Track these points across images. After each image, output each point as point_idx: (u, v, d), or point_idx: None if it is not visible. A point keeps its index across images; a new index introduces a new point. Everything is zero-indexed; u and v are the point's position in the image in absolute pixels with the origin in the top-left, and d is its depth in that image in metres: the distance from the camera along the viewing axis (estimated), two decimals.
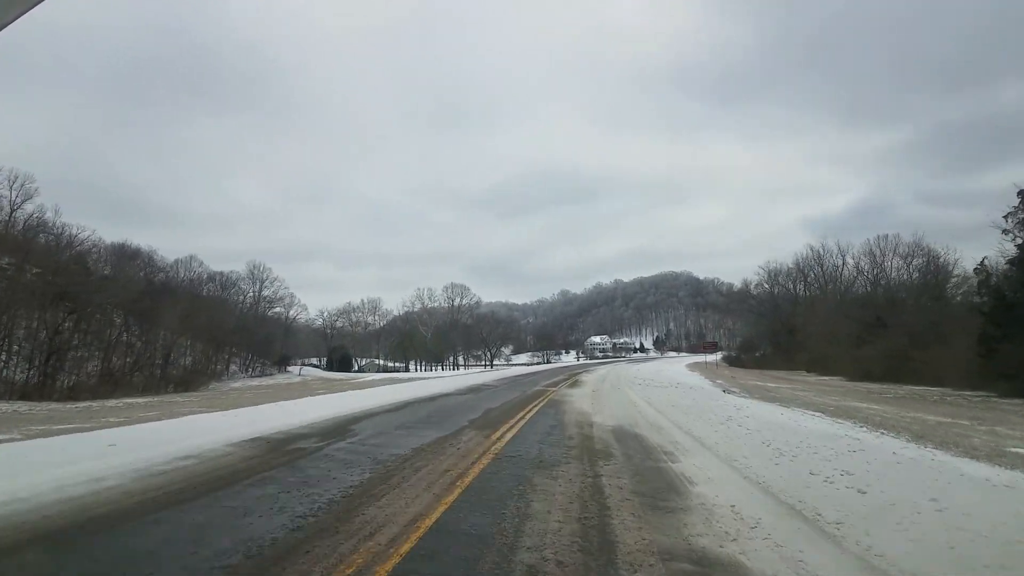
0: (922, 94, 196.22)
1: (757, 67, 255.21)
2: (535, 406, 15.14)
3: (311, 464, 7.01)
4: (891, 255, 45.62)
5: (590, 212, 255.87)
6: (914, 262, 43.81)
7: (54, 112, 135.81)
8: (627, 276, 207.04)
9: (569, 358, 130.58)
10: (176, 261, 66.60)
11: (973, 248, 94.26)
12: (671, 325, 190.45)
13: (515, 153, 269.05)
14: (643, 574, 3.60)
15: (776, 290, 62.59)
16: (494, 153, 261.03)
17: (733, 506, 5.18)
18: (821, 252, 57.49)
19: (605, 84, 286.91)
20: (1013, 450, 9.00)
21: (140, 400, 33.59)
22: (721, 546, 4.14)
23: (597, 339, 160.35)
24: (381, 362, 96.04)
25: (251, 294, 73.22)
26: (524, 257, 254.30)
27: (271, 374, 64.55)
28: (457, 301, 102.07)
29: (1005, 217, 24.43)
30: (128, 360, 48.52)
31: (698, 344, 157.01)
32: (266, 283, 73.66)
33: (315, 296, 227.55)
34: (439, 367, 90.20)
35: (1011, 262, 23.35)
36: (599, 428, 10.91)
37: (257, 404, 18.30)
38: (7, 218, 47.10)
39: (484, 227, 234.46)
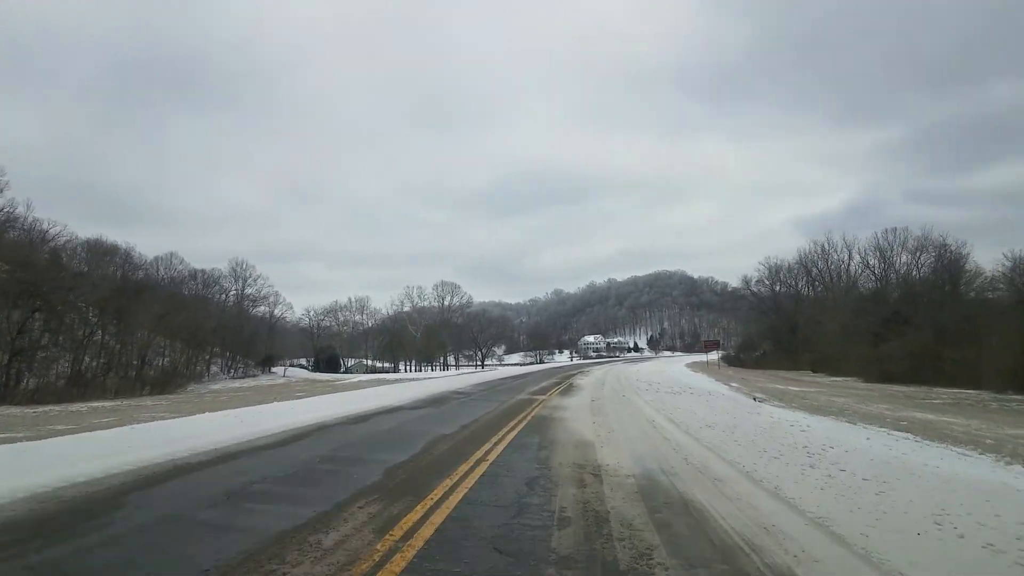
0: (913, 93, 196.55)
1: (750, 66, 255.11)
2: (511, 430, 10.44)
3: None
4: (899, 249, 43.93)
5: (583, 211, 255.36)
6: (922, 257, 42.22)
7: (39, 110, 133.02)
8: (621, 275, 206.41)
9: (562, 358, 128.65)
10: (156, 258, 64.20)
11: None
12: (665, 324, 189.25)
13: (508, 152, 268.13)
14: None
15: (778, 287, 60.67)
16: (487, 152, 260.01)
17: None
18: (826, 247, 55.25)
19: (598, 83, 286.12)
20: None
21: (107, 404, 31.29)
22: None
23: (591, 339, 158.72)
24: (370, 363, 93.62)
25: (233, 292, 70.71)
26: (517, 257, 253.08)
27: (255, 375, 62.04)
28: (448, 300, 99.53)
29: None
30: (101, 361, 46.22)
31: (693, 343, 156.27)
32: (249, 281, 71.15)
33: (307, 297, 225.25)
34: (429, 367, 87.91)
35: None
36: (613, 481, 6.42)
37: (212, 410, 16.03)
38: None
39: (477, 227, 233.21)
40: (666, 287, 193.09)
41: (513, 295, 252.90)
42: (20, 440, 9.60)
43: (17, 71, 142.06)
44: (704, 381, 26.46)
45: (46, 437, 9.60)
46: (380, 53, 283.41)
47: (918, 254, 42.39)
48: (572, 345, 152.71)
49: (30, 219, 46.75)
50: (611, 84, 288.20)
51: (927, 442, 9.55)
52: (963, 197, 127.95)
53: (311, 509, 4.96)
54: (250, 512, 5.02)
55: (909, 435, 10.40)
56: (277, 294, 75.42)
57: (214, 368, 60.68)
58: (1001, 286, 31.75)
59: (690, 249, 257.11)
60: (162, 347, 53.82)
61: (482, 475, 6.64)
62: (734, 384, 25.32)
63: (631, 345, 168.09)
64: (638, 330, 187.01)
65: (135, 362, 49.10)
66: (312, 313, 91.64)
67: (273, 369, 68.23)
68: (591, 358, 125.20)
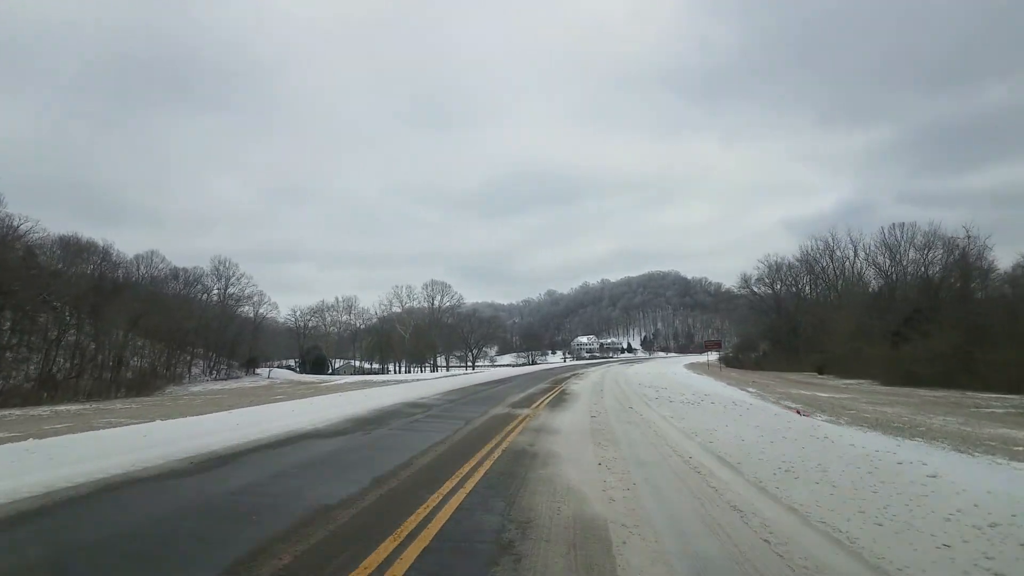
0: (905, 94, 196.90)
1: (744, 66, 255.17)
2: (458, 488, 6.09)
3: None
4: (907, 246, 42.45)
5: (577, 212, 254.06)
6: (930, 254, 40.80)
7: (27, 108, 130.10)
8: (614, 276, 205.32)
9: (555, 359, 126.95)
10: (136, 257, 61.85)
11: None
12: (659, 325, 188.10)
13: (501, 152, 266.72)
14: None
15: (778, 285, 59.09)
16: (480, 153, 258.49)
17: None
18: (830, 242, 52.91)
19: (592, 84, 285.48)
20: None
21: (75, 407, 29.39)
22: None
23: (584, 339, 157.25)
24: (358, 363, 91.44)
25: (216, 291, 68.40)
26: (510, 257, 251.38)
27: (237, 377, 59.89)
28: (438, 300, 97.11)
29: None
30: (75, 362, 44.10)
31: (687, 344, 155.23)
32: (232, 280, 68.81)
33: (300, 298, 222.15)
34: (418, 368, 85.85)
35: None
36: None
37: (168, 418, 14.07)
38: None
39: (469, 227, 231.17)
40: (660, 288, 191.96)
41: (506, 296, 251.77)
42: None
43: (3, 67, 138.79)
44: (716, 385, 24.04)
45: None
46: (376, 52, 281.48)
47: (926, 251, 41.10)
48: (565, 346, 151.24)
49: (1, 214, 44.30)
50: (607, 85, 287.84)
51: None
52: (955, 198, 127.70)
53: None
54: None
55: None
56: (262, 293, 73.26)
57: (196, 370, 58.53)
58: (1007, 285, 30.55)
59: (684, 250, 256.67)
60: (140, 347, 51.70)
61: None
62: (751, 389, 22.86)
63: (624, 346, 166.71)
64: (631, 331, 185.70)
65: (111, 363, 46.99)
66: (298, 313, 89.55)
67: (257, 371, 66.08)
68: (584, 359, 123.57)
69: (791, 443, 9.02)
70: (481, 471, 7.03)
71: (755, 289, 61.14)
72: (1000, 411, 15.55)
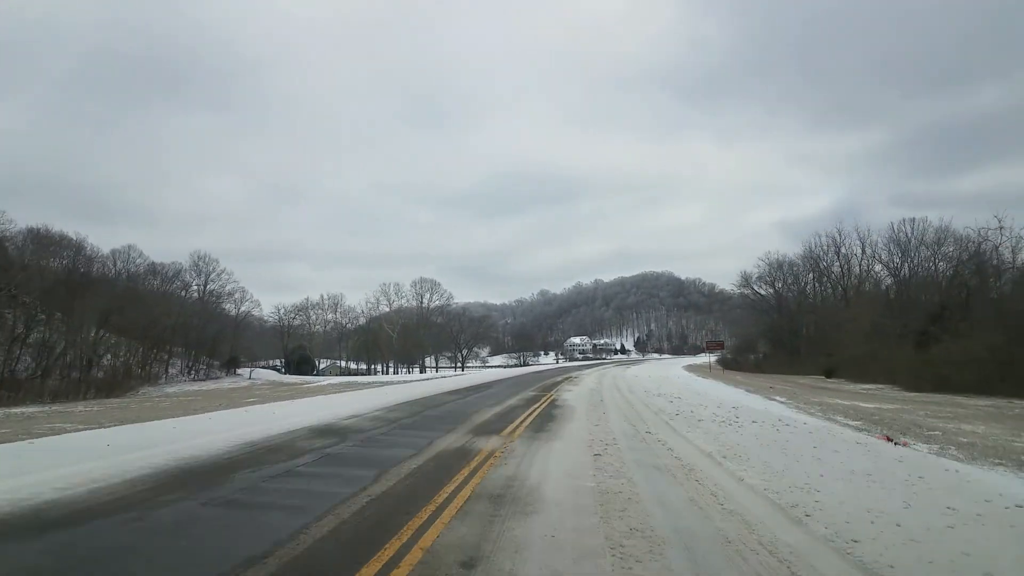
0: (899, 96, 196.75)
1: (739, 67, 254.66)
2: None
3: None
4: (917, 243, 40.81)
5: (571, 212, 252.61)
6: (941, 250, 39.22)
7: (18, 105, 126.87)
8: (608, 276, 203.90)
9: (548, 360, 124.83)
10: (112, 251, 59.11)
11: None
12: (652, 326, 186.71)
13: (494, 153, 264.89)
14: None
15: (779, 284, 57.20)
16: (473, 153, 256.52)
17: None
18: (838, 239, 50.60)
19: (586, 85, 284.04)
20: None
21: (32, 410, 27.09)
22: None
23: (577, 340, 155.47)
24: (344, 364, 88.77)
25: (196, 287, 65.74)
26: (503, 257, 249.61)
27: (217, 377, 57.36)
28: (427, 298, 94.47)
29: None
30: (42, 361, 41.61)
31: (681, 345, 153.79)
32: (213, 276, 66.16)
33: (291, 298, 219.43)
34: (406, 369, 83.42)
35: None
36: None
37: (123, 423, 11.86)
38: None
39: (462, 227, 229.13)
40: (653, 288, 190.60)
41: (498, 296, 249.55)
42: None
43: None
44: (735, 393, 21.39)
45: None
46: (375, 52, 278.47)
47: (936, 247, 39.53)
48: (558, 346, 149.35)
49: None
50: (605, 85, 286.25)
51: None
52: (949, 201, 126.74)
53: None
54: None
55: None
56: (244, 290, 70.63)
57: (173, 370, 55.94)
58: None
59: (678, 250, 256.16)
60: (114, 346, 49.11)
61: None
62: (779, 399, 19.76)
63: (618, 347, 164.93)
64: (625, 332, 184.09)
65: (82, 363, 44.43)
66: (282, 311, 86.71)
67: (239, 371, 63.53)
68: (577, 360, 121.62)
69: (951, 517, 5.20)
70: None
71: (756, 288, 59.27)
72: None
